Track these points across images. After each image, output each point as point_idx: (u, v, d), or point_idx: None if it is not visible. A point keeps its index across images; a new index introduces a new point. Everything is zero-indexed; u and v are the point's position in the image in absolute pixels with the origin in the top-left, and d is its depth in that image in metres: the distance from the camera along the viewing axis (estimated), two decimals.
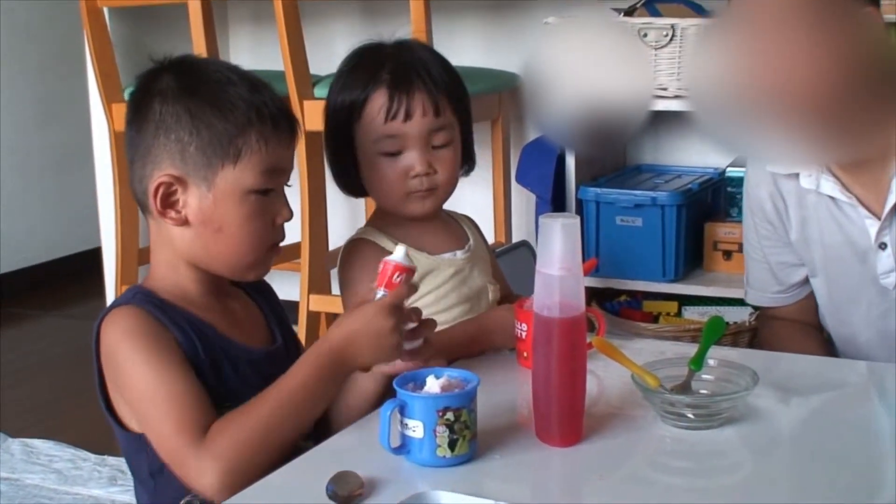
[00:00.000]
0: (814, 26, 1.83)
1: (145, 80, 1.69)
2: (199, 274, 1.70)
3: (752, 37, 1.87)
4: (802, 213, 2.08)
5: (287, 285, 3.53)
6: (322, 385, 1.61)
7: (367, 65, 1.95)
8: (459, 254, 2.00)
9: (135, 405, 1.61)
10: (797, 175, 2.05)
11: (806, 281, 2.18)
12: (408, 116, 1.90)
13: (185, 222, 1.66)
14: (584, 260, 1.56)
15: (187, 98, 1.64)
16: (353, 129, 1.93)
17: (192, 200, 1.65)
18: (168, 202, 1.65)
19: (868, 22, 1.85)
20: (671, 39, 2.93)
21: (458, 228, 2.06)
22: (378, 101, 1.90)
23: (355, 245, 1.98)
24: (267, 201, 1.68)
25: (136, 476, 1.70)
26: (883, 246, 1.98)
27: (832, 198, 2.01)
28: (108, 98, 3.54)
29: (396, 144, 1.91)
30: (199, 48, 3.24)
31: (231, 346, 1.69)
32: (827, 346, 2.20)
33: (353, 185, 2.00)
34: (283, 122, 1.69)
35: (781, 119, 1.87)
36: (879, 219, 1.97)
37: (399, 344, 1.62)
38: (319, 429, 1.72)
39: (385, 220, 1.99)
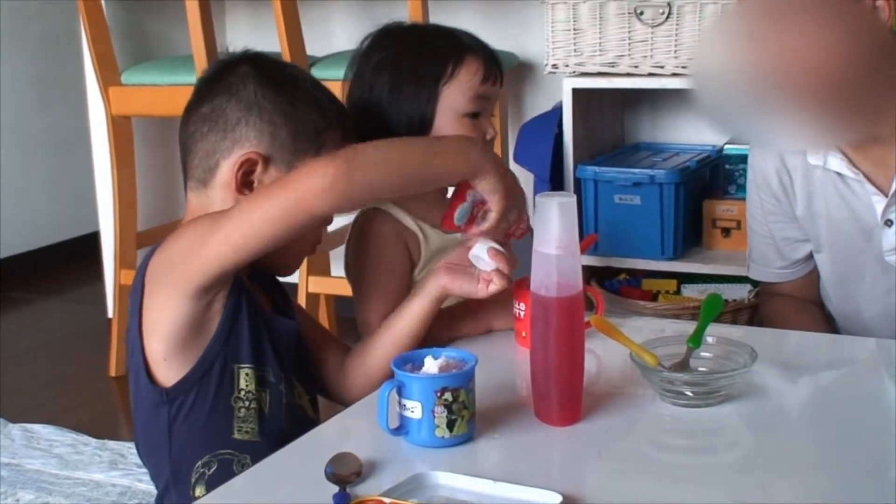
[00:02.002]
0: (825, 9, 1.83)
1: (228, 63, 1.77)
2: None
3: (763, 21, 1.87)
4: (808, 189, 2.08)
5: None
6: (446, 149, 1.73)
7: (439, 36, 2.01)
8: None
9: (223, 224, 1.61)
10: (804, 151, 2.04)
11: (810, 257, 2.18)
12: (496, 80, 1.99)
13: None
14: (582, 237, 1.56)
15: (285, 86, 1.74)
16: (435, 94, 1.96)
17: (268, 181, 1.70)
18: (245, 179, 1.70)
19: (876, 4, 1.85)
20: (668, 17, 2.92)
21: None
22: (473, 65, 1.96)
23: (371, 215, 1.98)
24: None
25: (150, 441, 1.71)
26: (889, 223, 1.98)
27: (839, 174, 2.01)
28: (105, 81, 3.52)
29: (482, 106, 1.97)
30: (196, 30, 3.23)
31: (266, 316, 1.73)
32: (828, 322, 2.20)
33: None
34: (349, 129, 1.80)
35: (792, 102, 1.86)
36: (886, 195, 1.97)
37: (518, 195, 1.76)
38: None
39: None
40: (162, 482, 1.71)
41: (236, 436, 1.67)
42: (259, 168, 1.70)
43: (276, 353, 1.71)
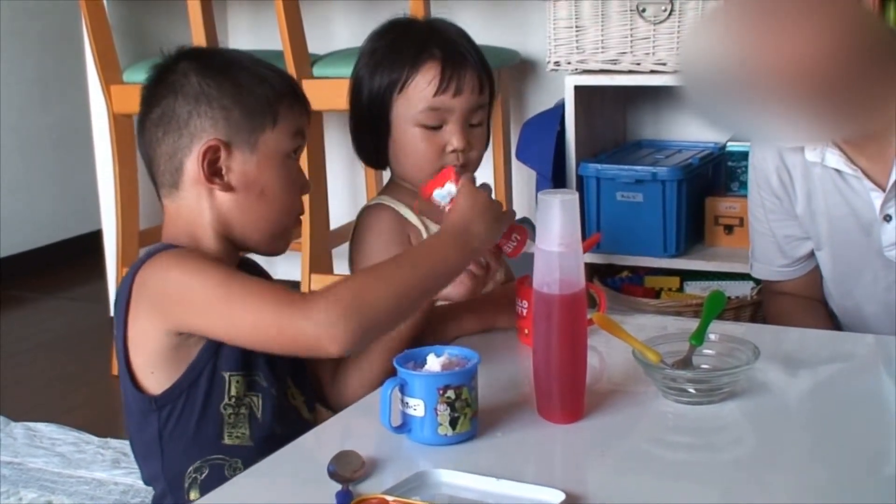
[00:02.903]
0: (814, 3, 1.82)
1: (167, 64, 1.75)
2: (222, 245, 1.72)
3: (751, 16, 1.86)
4: (808, 186, 2.08)
5: (288, 265, 3.53)
6: (450, 251, 1.65)
7: (410, 39, 1.98)
8: None
9: (213, 309, 1.59)
10: (802, 148, 2.04)
11: (812, 255, 2.18)
12: (458, 92, 1.94)
13: (229, 188, 1.70)
14: (584, 236, 1.56)
15: (226, 70, 1.72)
16: (390, 100, 1.95)
17: (235, 165, 1.70)
18: (213, 168, 1.69)
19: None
20: (670, 14, 2.92)
21: None
22: (429, 74, 1.93)
23: (374, 209, 1.99)
24: (296, 168, 1.75)
25: (142, 447, 1.71)
26: (888, 218, 1.98)
27: (837, 170, 2.00)
28: (107, 79, 3.52)
29: (439, 118, 1.94)
30: (198, 29, 3.23)
31: None
32: (831, 320, 2.19)
33: (376, 157, 2.03)
34: (302, 95, 1.78)
35: (786, 97, 1.86)
36: (884, 191, 1.97)
37: (503, 213, 1.72)
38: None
39: (400, 192, 2.00)
40: (158, 487, 1.71)
41: (227, 441, 1.67)
42: (223, 154, 1.69)
43: (267, 357, 1.70)
